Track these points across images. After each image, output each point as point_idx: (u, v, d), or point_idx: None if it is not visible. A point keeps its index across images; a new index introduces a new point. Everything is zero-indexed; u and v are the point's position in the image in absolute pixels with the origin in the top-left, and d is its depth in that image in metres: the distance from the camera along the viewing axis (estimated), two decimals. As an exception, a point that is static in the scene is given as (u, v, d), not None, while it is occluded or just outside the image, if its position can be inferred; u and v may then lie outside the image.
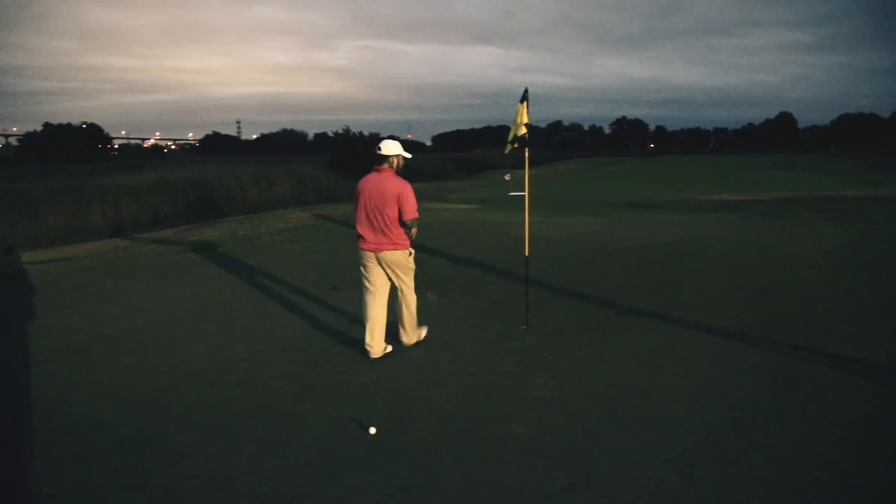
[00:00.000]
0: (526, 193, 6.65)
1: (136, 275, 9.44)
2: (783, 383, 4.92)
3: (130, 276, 9.34)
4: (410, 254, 5.63)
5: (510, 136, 6.23)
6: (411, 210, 5.49)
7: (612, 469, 3.71)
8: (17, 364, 5.72)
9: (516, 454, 3.92)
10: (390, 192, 5.44)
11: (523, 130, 6.15)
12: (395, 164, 5.64)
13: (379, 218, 5.47)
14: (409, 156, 5.82)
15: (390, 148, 5.62)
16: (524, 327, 6.39)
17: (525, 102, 6.14)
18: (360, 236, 5.61)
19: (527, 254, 6.77)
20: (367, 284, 5.69)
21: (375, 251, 5.57)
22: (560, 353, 5.69)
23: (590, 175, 44.98)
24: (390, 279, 5.70)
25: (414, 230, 5.55)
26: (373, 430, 4.18)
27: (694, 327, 6.30)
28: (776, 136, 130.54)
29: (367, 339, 5.58)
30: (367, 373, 5.33)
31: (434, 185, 39.06)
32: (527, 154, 6.45)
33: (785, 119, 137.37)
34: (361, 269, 5.71)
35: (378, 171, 5.56)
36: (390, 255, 5.55)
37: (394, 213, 5.46)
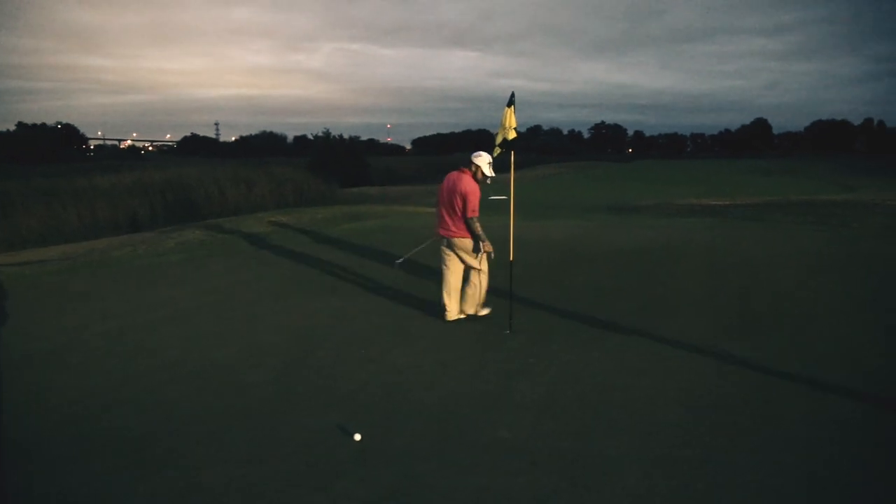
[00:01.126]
0: (511, 197, 6.67)
1: (115, 278, 9.30)
2: (763, 385, 4.96)
3: (109, 280, 9.19)
4: (479, 250, 6.56)
5: (499, 140, 6.25)
6: (470, 209, 6.41)
7: (598, 473, 3.71)
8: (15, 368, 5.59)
9: (502, 459, 3.90)
10: (460, 189, 6.41)
11: (513, 135, 6.17)
12: (475, 171, 6.54)
13: (449, 209, 6.52)
14: (490, 174, 6.60)
15: (479, 158, 6.57)
16: (508, 332, 6.38)
17: (512, 106, 6.15)
18: (437, 221, 6.72)
19: (511, 258, 6.78)
20: (445, 261, 6.73)
21: (447, 236, 6.62)
22: (544, 357, 5.69)
23: (569, 179, 45.21)
24: (462, 260, 6.67)
25: (476, 226, 6.44)
26: (357, 437, 4.14)
27: (675, 330, 6.33)
28: (752, 141, 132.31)
29: (445, 299, 6.73)
30: (351, 378, 5.29)
31: (414, 188, 39.00)
32: (512, 158, 6.46)
33: (760, 125, 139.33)
34: (441, 248, 6.77)
35: (461, 171, 6.57)
36: (458, 241, 6.58)
37: (459, 207, 6.43)
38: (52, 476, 3.78)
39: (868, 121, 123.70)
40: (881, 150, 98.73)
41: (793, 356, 5.57)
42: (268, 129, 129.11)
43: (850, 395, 4.74)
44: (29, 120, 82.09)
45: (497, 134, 6.33)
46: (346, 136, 51.63)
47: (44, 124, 77.42)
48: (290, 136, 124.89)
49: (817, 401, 4.67)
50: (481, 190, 6.58)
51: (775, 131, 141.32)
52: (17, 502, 3.51)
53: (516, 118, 6.20)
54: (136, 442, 4.19)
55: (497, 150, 6.39)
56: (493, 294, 7.73)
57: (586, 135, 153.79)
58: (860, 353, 5.66)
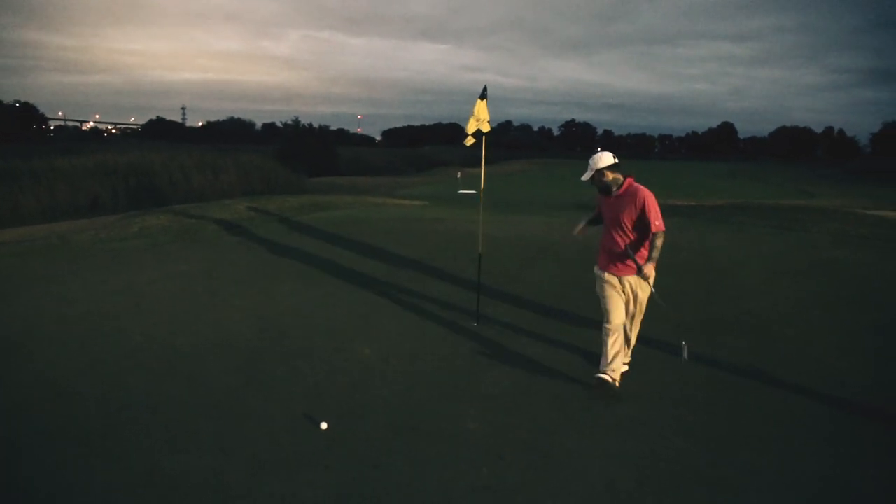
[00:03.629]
0: (481, 191, 6.67)
1: (75, 262, 9.07)
2: (724, 383, 5.06)
3: (69, 264, 8.97)
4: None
5: (471, 129, 6.24)
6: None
7: (564, 467, 3.74)
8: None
9: (468, 451, 3.91)
10: None
11: (487, 128, 6.18)
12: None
13: None
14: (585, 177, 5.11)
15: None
16: (475, 324, 6.39)
17: (485, 100, 6.15)
18: None
19: (480, 251, 6.78)
20: None
21: None
22: (511, 350, 5.72)
23: (538, 176, 45.50)
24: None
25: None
26: (324, 426, 4.11)
27: (640, 328, 6.40)
28: (718, 144, 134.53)
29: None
30: (317, 368, 5.25)
31: (383, 180, 38.84)
32: (483, 151, 6.46)
33: (726, 129, 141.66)
34: None
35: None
36: None
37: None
38: (8, 464, 3.68)
39: (829, 129, 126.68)
40: (840, 157, 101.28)
41: (754, 355, 5.68)
42: (235, 116, 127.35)
43: (808, 393, 4.86)
44: (-14, 97, 79.62)
45: (468, 123, 6.31)
46: (315, 125, 51.19)
47: (1, 102, 75.01)
48: (259, 123, 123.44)
49: (777, 398, 4.77)
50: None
51: (741, 135, 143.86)
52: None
53: (489, 111, 6.20)
54: (96, 430, 4.10)
55: (469, 140, 6.37)
56: (459, 286, 7.74)
57: (556, 132, 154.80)
58: (819, 352, 5.80)
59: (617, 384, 4.77)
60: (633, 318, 5.15)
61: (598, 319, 6.64)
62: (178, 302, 7.11)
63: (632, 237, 4.85)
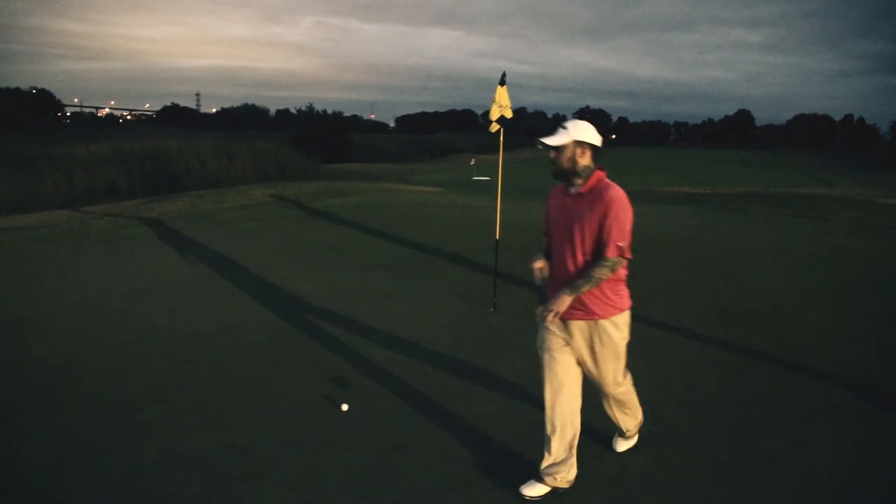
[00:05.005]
0: (499, 177, 6.69)
1: (95, 247, 9.19)
2: (736, 370, 5.07)
3: (88, 248, 9.09)
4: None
5: (495, 116, 6.26)
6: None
7: (582, 449, 3.78)
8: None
9: (487, 433, 3.97)
10: None
11: (510, 113, 6.21)
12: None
13: None
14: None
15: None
16: (492, 310, 6.44)
17: (504, 85, 6.17)
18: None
19: (497, 237, 6.82)
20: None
21: None
22: (527, 335, 5.75)
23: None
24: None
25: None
26: (345, 407, 4.18)
27: (653, 315, 6.43)
28: (734, 132, 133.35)
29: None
30: (335, 351, 5.31)
31: (396, 166, 38.88)
32: (501, 138, 6.48)
33: (743, 116, 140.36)
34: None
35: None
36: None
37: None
38: (38, 441, 3.78)
39: (848, 116, 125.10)
40: (859, 145, 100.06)
41: (768, 342, 5.69)
42: (249, 102, 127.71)
43: (821, 380, 4.87)
44: (2, 83, 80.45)
45: (491, 110, 6.33)
46: (329, 111, 51.18)
47: (18, 89, 75.55)
48: (272, 109, 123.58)
49: (790, 385, 4.79)
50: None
51: (757, 123, 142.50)
52: (10, 464, 3.50)
53: (508, 97, 6.22)
54: (119, 410, 4.19)
55: (494, 126, 6.39)
56: (476, 272, 7.78)
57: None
58: (833, 340, 5.79)
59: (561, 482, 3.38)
60: (599, 390, 3.62)
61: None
62: (196, 286, 7.20)
63: (590, 259, 3.29)
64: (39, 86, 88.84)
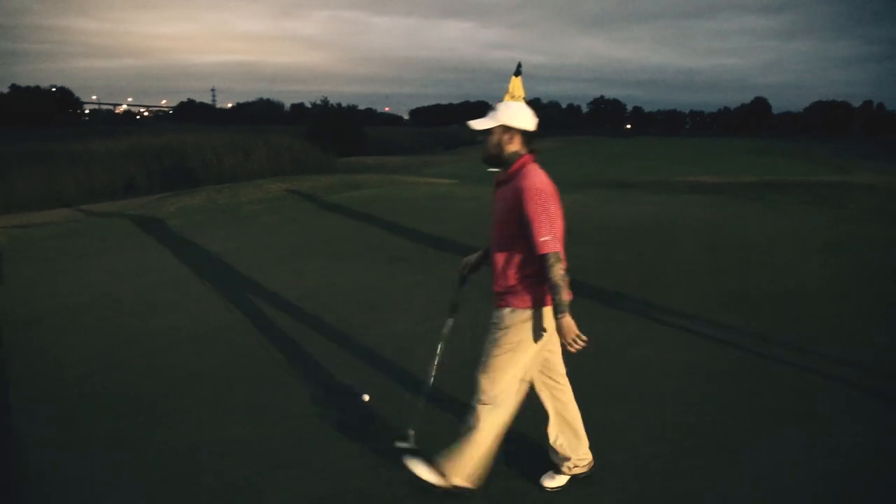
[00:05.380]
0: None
1: (116, 241, 9.33)
2: (757, 359, 5.07)
3: (110, 243, 9.22)
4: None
5: None
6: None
7: (604, 438, 3.81)
8: (2, 328, 5.66)
9: (511, 426, 4.00)
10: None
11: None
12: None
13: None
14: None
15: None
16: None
17: (519, 76, 6.16)
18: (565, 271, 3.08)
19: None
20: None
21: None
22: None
23: (568, 154, 45.11)
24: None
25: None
26: (366, 398, 4.23)
27: (673, 304, 6.43)
28: (751, 120, 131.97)
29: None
30: (356, 343, 5.37)
31: (411, 159, 38.89)
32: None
33: (760, 104, 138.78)
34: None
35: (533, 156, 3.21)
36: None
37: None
38: (69, 432, 3.87)
39: (867, 103, 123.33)
40: (879, 132, 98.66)
41: (787, 332, 5.67)
42: (264, 97, 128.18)
43: (841, 368, 4.85)
44: (22, 82, 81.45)
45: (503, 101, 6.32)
46: (343, 104, 51.27)
47: (38, 87, 76.33)
48: (287, 103, 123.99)
49: (809, 373, 4.78)
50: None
51: (775, 111, 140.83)
52: (29, 458, 3.59)
53: (523, 88, 6.21)
54: (144, 401, 4.28)
55: None
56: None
57: (585, 109, 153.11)
58: (852, 328, 5.77)
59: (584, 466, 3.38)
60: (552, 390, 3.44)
61: (632, 298, 6.69)
62: (216, 279, 7.29)
63: (515, 254, 3.09)
64: (59, 84, 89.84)
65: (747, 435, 3.87)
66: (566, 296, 2.96)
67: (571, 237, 9.74)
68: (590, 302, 6.51)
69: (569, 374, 4.70)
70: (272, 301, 6.48)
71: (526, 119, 3.11)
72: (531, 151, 3.15)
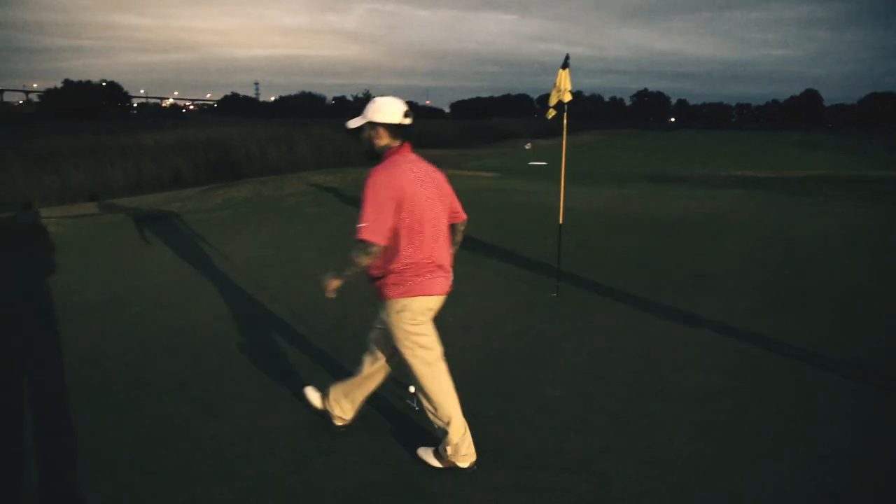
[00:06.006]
0: (563, 162, 6.64)
1: (164, 233, 9.54)
2: (806, 360, 4.93)
3: (160, 234, 9.44)
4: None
5: (553, 102, 6.23)
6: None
7: (648, 434, 3.77)
8: (54, 316, 5.84)
9: (553, 417, 3.98)
10: (446, 182, 3.56)
11: (568, 97, 6.15)
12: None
13: (443, 231, 3.42)
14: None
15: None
16: (554, 295, 6.42)
17: (567, 69, 6.11)
18: (426, 269, 3.29)
19: (561, 221, 6.78)
20: (431, 350, 3.46)
21: (448, 290, 3.47)
22: (590, 321, 5.73)
23: (611, 147, 44.59)
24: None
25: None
26: (412, 389, 4.24)
27: (719, 301, 6.31)
28: (801, 113, 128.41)
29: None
30: (400, 334, 5.39)
31: (452, 152, 38.88)
32: (565, 122, 6.43)
33: (810, 96, 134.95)
34: (421, 330, 3.38)
35: (407, 148, 3.37)
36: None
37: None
38: (123, 417, 3.97)
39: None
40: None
41: (836, 333, 5.52)
42: (307, 90, 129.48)
43: (883, 371, 4.71)
44: (75, 77, 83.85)
45: (551, 95, 6.29)
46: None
47: (89, 82, 78.37)
48: (329, 96, 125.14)
49: (858, 377, 4.64)
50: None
51: (826, 103, 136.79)
52: (80, 446, 3.70)
53: (570, 81, 6.16)
54: (192, 388, 4.36)
55: (551, 113, 6.36)
56: (537, 257, 7.75)
57: (628, 102, 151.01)
58: (913, 328, 5.59)
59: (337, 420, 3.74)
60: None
61: (677, 294, 6.58)
62: (264, 269, 7.40)
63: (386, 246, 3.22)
64: (108, 78, 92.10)
65: (802, 433, 3.78)
66: (350, 272, 3.27)
67: (617, 231, 9.72)
68: (633, 296, 6.42)
69: (614, 372, 4.67)
70: (318, 292, 6.53)
71: (389, 113, 3.25)
72: (404, 143, 3.32)
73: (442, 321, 5.70)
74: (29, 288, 6.77)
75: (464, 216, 3.66)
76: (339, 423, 3.77)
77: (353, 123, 3.34)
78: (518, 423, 3.91)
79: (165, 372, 4.62)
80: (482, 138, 58.08)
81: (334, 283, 3.40)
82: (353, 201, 12.21)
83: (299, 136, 28.74)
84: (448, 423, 3.35)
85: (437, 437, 3.48)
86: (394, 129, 3.27)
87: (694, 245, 8.73)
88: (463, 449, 3.36)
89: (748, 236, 9.32)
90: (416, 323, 3.30)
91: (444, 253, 3.36)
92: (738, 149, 43.73)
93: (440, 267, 3.33)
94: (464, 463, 3.37)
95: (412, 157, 3.34)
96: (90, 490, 3.19)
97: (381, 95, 3.40)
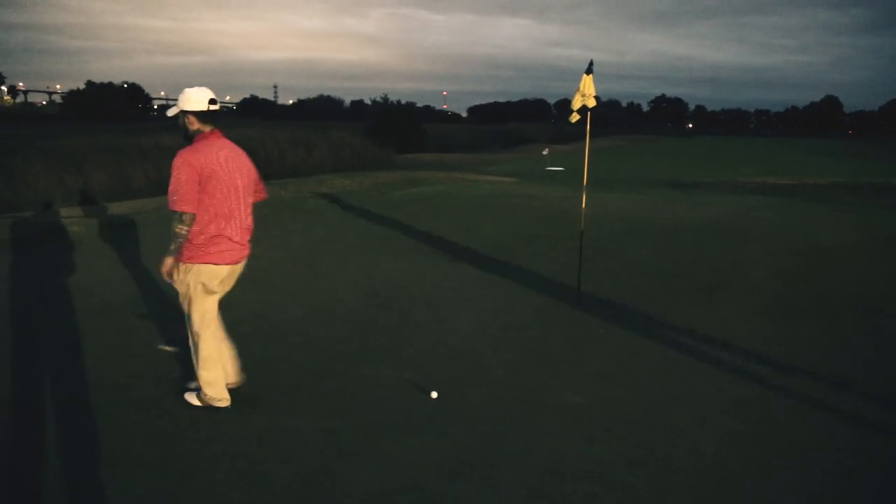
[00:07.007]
0: (585, 167, 6.61)
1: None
2: (831, 368, 4.88)
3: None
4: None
5: (577, 106, 6.22)
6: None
7: (671, 443, 3.74)
8: (75, 316, 5.89)
9: (576, 424, 3.96)
10: (251, 165, 4.13)
11: (593, 102, 6.14)
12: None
13: (245, 207, 4.06)
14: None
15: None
16: (575, 301, 6.39)
17: (591, 74, 6.10)
18: (217, 240, 3.88)
19: (582, 227, 6.76)
20: (208, 312, 4.06)
21: (239, 260, 4.12)
22: (611, 327, 5.70)
23: (629, 152, 44.42)
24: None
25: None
26: (434, 395, 4.24)
27: (741, 308, 6.27)
28: (821, 120, 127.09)
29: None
30: (421, 339, 5.40)
31: (470, 156, 38.90)
32: (588, 127, 6.41)
33: (830, 103, 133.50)
34: (205, 290, 3.96)
35: (216, 134, 3.93)
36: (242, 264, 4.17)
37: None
38: (147, 416, 3.99)
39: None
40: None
41: (861, 341, 5.46)
42: (325, 93, 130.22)
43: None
44: (97, 79, 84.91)
45: (574, 99, 6.28)
46: (403, 101, 51.70)
47: (111, 83, 79.38)
48: (347, 100, 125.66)
49: (883, 386, 4.58)
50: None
51: (847, 110, 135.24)
52: (108, 445, 3.72)
53: (594, 86, 6.15)
54: (220, 388, 4.38)
55: (574, 117, 6.34)
56: (558, 262, 7.72)
57: (646, 107, 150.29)
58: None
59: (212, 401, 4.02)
60: None
61: (698, 301, 6.53)
62: (285, 271, 7.44)
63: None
64: (130, 80, 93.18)
65: (827, 444, 3.73)
66: (175, 245, 3.74)
67: (637, 237, 9.64)
68: (654, 303, 6.38)
69: (636, 379, 4.65)
70: (339, 295, 6.57)
71: (196, 101, 3.80)
72: (214, 129, 3.89)
73: (459, 324, 5.71)
74: (50, 287, 6.83)
75: (264, 196, 4.28)
76: (224, 404, 4.04)
77: (171, 112, 3.86)
78: (540, 430, 3.89)
79: (186, 372, 4.64)
80: (499, 142, 58.08)
81: (168, 263, 3.84)
82: (373, 205, 12.25)
83: (318, 139, 28.81)
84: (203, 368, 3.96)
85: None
86: (202, 116, 3.83)
87: (716, 252, 8.65)
88: (220, 394, 3.98)
89: (770, 244, 9.22)
90: (200, 284, 3.86)
91: (238, 227, 3.92)
92: (758, 155, 43.39)
93: (230, 239, 3.88)
94: (222, 405, 3.98)
95: (221, 141, 3.89)
96: (114, 490, 3.20)
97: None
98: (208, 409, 4.05)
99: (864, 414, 4.15)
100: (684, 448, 3.69)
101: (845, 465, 3.52)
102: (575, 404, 4.22)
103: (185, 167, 3.72)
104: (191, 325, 4.00)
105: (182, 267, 3.87)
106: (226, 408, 4.06)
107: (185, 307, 3.98)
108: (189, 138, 3.87)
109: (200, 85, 4.00)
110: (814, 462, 3.55)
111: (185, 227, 3.72)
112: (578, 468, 3.47)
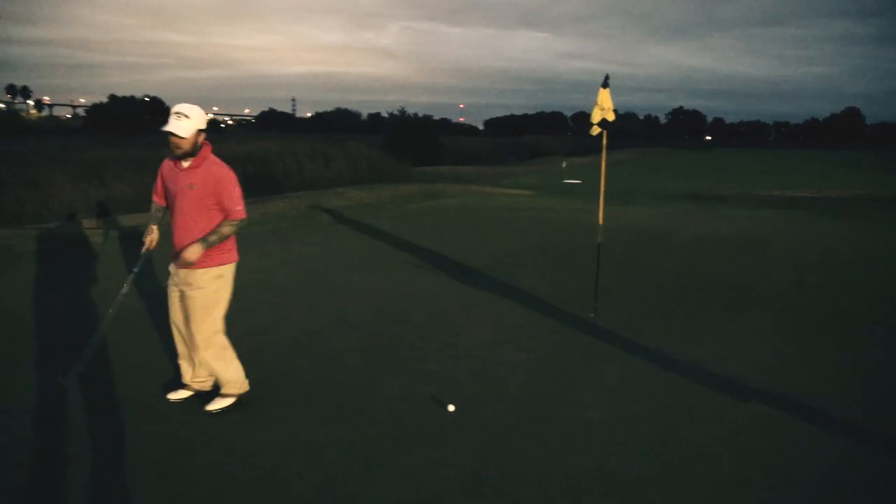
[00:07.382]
0: (602, 180, 6.62)
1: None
2: (851, 384, 4.82)
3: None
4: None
5: (597, 119, 6.23)
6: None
7: (690, 460, 3.71)
8: (99, 325, 5.96)
9: (593, 440, 3.94)
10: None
11: (612, 116, 6.14)
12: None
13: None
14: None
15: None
16: (592, 315, 6.37)
17: (607, 88, 6.11)
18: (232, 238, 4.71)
19: (599, 240, 6.74)
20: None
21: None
22: (630, 341, 5.68)
23: (646, 165, 44.26)
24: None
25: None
26: (451, 408, 4.25)
27: (761, 323, 6.20)
28: (842, 131, 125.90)
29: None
30: (437, 353, 5.41)
31: (486, 169, 38.96)
32: (605, 141, 6.41)
33: (852, 114, 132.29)
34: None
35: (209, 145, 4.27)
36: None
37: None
38: (163, 428, 4.04)
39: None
40: None
41: (884, 357, 5.38)
42: (342, 106, 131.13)
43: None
44: (120, 92, 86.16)
45: (592, 113, 6.29)
46: (420, 114, 51.94)
47: (133, 97, 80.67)
48: (365, 113, 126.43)
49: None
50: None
51: (868, 122, 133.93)
52: (125, 454, 3.76)
53: (611, 100, 6.16)
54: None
55: (595, 129, 6.35)
56: (575, 276, 7.70)
57: (663, 120, 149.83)
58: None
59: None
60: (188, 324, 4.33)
61: (717, 315, 6.48)
62: (302, 284, 7.48)
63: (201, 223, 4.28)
64: (151, 94, 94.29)
65: (848, 460, 3.68)
66: (216, 237, 4.35)
67: (655, 250, 9.60)
68: (672, 317, 6.34)
69: (654, 394, 4.62)
70: (355, 308, 6.60)
71: (204, 119, 4.14)
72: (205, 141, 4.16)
73: (476, 337, 5.71)
74: (74, 297, 6.93)
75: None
76: (246, 387, 4.35)
77: (187, 132, 3.99)
78: (557, 444, 3.88)
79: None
80: (516, 155, 58.09)
81: (198, 252, 4.22)
82: (390, 217, 12.31)
83: (335, 152, 29.00)
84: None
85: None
86: (204, 131, 4.14)
87: (734, 265, 8.59)
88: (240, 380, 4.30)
89: (790, 257, 9.14)
90: (230, 281, 4.51)
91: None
92: (777, 167, 43.05)
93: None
94: (245, 387, 4.33)
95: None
96: (137, 499, 3.24)
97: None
98: (226, 421, 4.09)
99: (888, 434, 4.09)
100: (703, 465, 3.66)
101: (869, 488, 3.48)
102: (591, 419, 4.21)
103: (236, 177, 4.29)
104: (210, 328, 4.26)
105: (214, 272, 4.31)
106: (242, 417, 4.10)
107: (206, 313, 4.25)
108: (190, 153, 4.09)
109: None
110: (835, 482, 3.51)
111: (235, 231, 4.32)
112: (595, 483, 3.45)
